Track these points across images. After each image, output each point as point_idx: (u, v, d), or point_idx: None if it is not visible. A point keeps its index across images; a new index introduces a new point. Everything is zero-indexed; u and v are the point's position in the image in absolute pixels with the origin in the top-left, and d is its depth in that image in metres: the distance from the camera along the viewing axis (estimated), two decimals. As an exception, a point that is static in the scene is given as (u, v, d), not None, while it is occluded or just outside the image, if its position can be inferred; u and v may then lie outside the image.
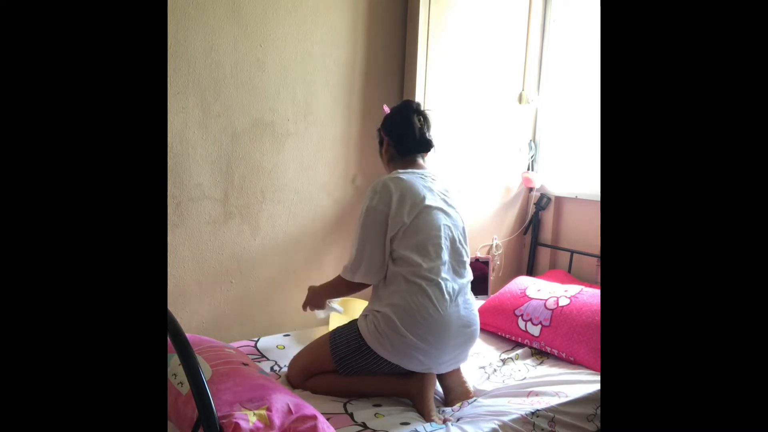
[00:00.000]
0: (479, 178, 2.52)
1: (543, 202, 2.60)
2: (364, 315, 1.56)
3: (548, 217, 2.61)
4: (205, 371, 1.21)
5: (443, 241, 1.54)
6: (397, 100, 2.32)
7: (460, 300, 1.54)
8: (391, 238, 1.52)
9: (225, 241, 1.96)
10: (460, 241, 1.60)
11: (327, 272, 2.24)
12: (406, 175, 1.58)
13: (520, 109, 2.60)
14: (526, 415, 1.44)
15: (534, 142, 2.68)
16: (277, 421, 1.06)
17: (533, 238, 2.65)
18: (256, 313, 2.07)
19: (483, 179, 2.54)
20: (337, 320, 1.91)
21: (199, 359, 1.26)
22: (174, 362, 1.22)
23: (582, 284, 2.17)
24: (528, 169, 2.67)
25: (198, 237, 1.90)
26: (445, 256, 1.53)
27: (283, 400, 1.13)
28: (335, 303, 1.82)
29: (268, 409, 1.08)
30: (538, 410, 1.47)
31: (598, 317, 1.84)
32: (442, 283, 1.50)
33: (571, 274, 2.44)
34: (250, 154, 1.96)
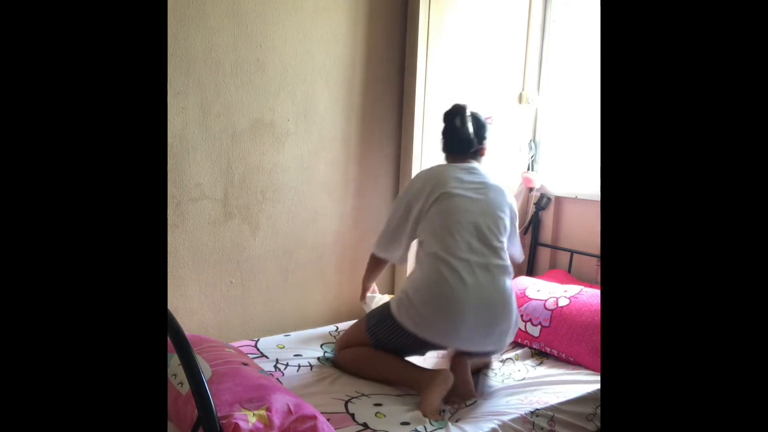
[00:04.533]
0: (479, 178, 2.52)
1: (543, 202, 2.60)
2: (397, 293, 1.71)
3: (548, 217, 2.61)
4: (205, 371, 1.21)
5: (464, 224, 1.61)
6: (397, 100, 2.32)
7: (483, 280, 1.58)
8: (416, 221, 1.67)
9: (225, 241, 1.96)
10: (488, 227, 1.64)
11: (327, 272, 2.24)
12: (442, 166, 1.76)
13: (520, 109, 2.60)
14: (526, 414, 1.44)
15: (534, 142, 2.68)
16: (276, 421, 1.06)
17: (533, 238, 2.65)
18: (256, 313, 2.07)
19: (483, 179, 2.53)
20: None
21: (199, 359, 1.27)
22: (174, 362, 1.22)
23: (582, 284, 2.17)
24: (528, 169, 2.67)
25: (198, 237, 1.90)
26: (466, 238, 1.60)
27: (283, 400, 1.13)
28: (377, 297, 1.98)
29: (268, 410, 1.08)
30: (537, 410, 1.47)
31: (597, 318, 1.84)
32: (461, 262, 1.57)
33: (571, 275, 2.44)
34: (250, 154, 1.96)
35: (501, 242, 1.66)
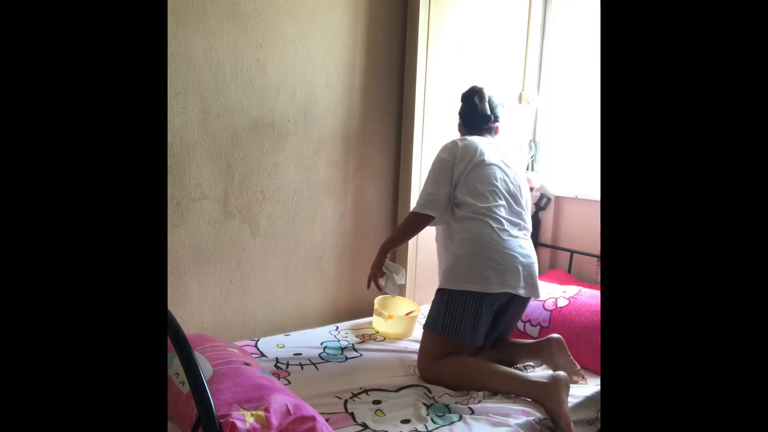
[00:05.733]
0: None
1: (543, 202, 2.60)
2: (448, 263, 1.76)
3: (548, 217, 2.61)
4: (207, 371, 1.21)
5: (499, 189, 1.78)
6: (397, 100, 2.32)
7: (520, 235, 1.77)
8: (455, 186, 1.79)
9: (225, 241, 1.96)
10: (518, 194, 1.83)
11: (327, 272, 2.24)
12: (471, 137, 1.88)
13: (520, 109, 2.60)
14: (533, 420, 1.43)
15: (534, 142, 2.68)
16: (275, 421, 1.06)
17: (533, 238, 2.64)
18: (256, 313, 2.07)
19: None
20: (380, 324, 2.06)
21: (202, 358, 1.27)
22: (177, 362, 1.22)
23: (581, 285, 2.17)
24: (528, 169, 2.67)
25: (198, 237, 1.90)
26: (503, 202, 1.77)
27: (282, 401, 1.13)
28: (398, 275, 1.91)
29: (266, 410, 1.08)
30: (542, 418, 1.45)
31: (596, 318, 1.83)
32: (500, 219, 1.74)
33: (571, 274, 2.44)
34: (250, 154, 1.96)
35: (525, 209, 1.86)
